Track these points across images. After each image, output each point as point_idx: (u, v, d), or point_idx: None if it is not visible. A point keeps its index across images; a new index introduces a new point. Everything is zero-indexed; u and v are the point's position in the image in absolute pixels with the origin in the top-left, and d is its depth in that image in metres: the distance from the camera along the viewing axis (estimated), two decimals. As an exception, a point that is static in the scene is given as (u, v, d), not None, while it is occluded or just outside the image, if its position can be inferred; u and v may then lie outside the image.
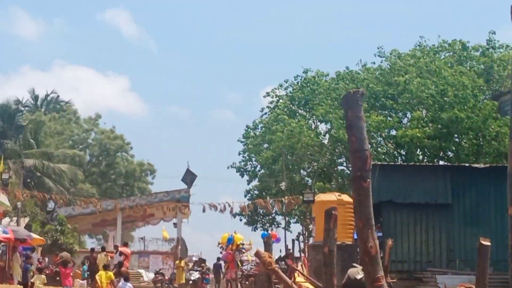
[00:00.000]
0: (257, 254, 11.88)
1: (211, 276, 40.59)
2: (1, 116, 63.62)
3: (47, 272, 30.62)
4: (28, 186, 54.89)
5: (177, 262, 38.26)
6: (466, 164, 32.91)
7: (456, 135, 43.89)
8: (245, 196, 52.45)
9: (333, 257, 9.27)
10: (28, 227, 42.12)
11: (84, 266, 35.23)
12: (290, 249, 39.69)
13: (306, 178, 50.27)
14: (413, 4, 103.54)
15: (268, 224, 52.67)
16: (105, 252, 32.69)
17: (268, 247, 17.89)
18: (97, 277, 27.57)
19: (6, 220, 40.32)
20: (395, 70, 46.63)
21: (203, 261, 40.19)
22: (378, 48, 49.49)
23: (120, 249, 33.39)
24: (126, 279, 27.24)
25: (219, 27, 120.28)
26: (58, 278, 29.51)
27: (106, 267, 27.51)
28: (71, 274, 28.73)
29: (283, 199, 37.84)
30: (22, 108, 70.89)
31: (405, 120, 46.77)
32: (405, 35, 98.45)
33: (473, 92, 43.34)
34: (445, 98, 43.10)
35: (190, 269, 37.55)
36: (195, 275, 36.45)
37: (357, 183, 7.01)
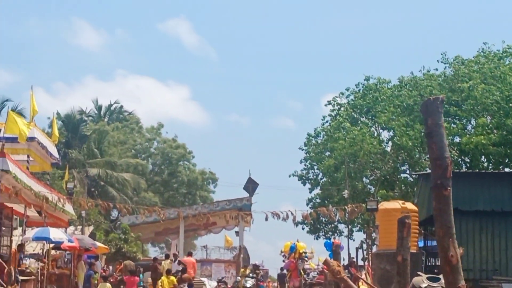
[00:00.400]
0: (325, 262, 11.81)
1: (274, 284, 40.58)
2: (65, 126, 64.62)
3: (111, 280, 30.90)
4: (92, 195, 55.65)
5: (242, 270, 38.43)
6: (533, 171, 32.33)
7: (522, 142, 43.17)
8: (307, 204, 52.41)
9: (406, 266, 9.16)
10: (92, 235, 42.68)
11: (141, 275, 35.56)
12: (353, 258, 39.50)
13: (369, 186, 49.96)
14: (476, 10, 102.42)
15: (330, 233, 52.54)
16: (169, 260, 32.92)
17: (336, 255, 17.80)
18: (159, 282, 27.81)
19: (71, 228, 40.89)
20: (459, 76, 46.01)
21: (258, 267, 40.26)
22: (441, 54, 48.99)
23: (183, 259, 33.59)
24: (190, 286, 27.42)
25: (279, 35, 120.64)
26: (122, 287, 29.78)
27: (168, 272, 27.72)
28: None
29: (346, 207, 37.59)
30: (86, 118, 71.91)
31: (469, 127, 46.12)
32: (468, 41, 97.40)
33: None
34: (510, 104, 42.43)
35: (245, 276, 37.65)
36: (250, 282, 36.51)
37: (438, 191, 6.91)
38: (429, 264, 30.83)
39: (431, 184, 6.97)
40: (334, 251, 18.23)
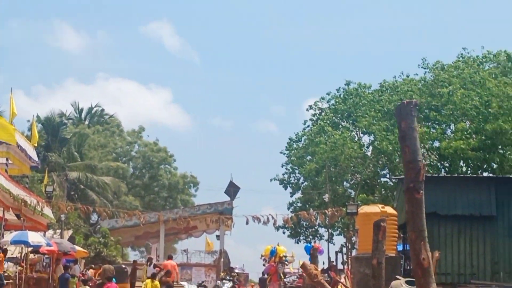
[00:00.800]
0: (303, 266, 11.86)
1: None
2: (45, 129, 64.25)
3: (90, 284, 30.74)
4: (72, 198, 55.31)
5: (222, 274, 38.42)
6: (511, 176, 32.52)
7: (500, 147, 43.39)
8: (288, 208, 52.52)
9: (381, 269, 9.21)
10: (71, 239, 42.39)
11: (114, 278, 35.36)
12: (333, 261, 39.57)
13: (349, 190, 50.14)
14: (456, 16, 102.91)
15: (311, 237, 52.64)
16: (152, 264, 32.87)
17: (314, 259, 17.85)
18: (142, 285, 27.68)
19: (50, 232, 40.64)
20: (438, 81, 46.31)
21: (233, 270, 40.23)
22: (422, 60, 49.40)
23: (164, 262, 33.49)
24: (169, 288, 27.32)
25: (262, 40, 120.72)
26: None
27: (153, 276, 27.64)
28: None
29: (326, 211, 37.68)
30: (66, 121, 71.55)
31: (448, 132, 46.38)
32: (448, 47, 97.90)
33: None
34: (489, 110, 42.69)
35: (222, 278, 37.60)
36: (227, 285, 36.46)
37: (410, 195, 6.95)
38: (408, 267, 31.00)
39: (404, 187, 7.02)
40: (312, 254, 18.30)
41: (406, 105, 7.11)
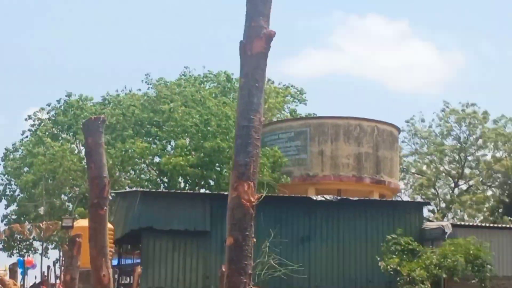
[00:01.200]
0: (1, 281, 11.45)
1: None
2: None
3: None
4: None
5: None
6: (226, 193, 33.61)
7: (217, 164, 44.71)
8: (2, 221, 50.80)
9: (74, 285, 9.12)
10: None
11: None
12: (46, 276, 38.72)
13: (68, 203, 49.32)
14: (179, 34, 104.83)
15: (25, 250, 51.22)
16: None
17: (13, 274, 17.38)
18: None
19: None
20: (161, 98, 47.01)
21: None
22: (145, 75, 49.95)
23: None
24: None
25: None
26: None
27: None
28: None
29: (41, 224, 36.88)
30: None
31: (169, 148, 47.13)
32: (172, 64, 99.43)
33: (235, 122, 44.38)
34: (209, 128, 43.90)
35: None
36: None
37: (94, 211, 6.94)
38: (123, 282, 31.11)
39: (88, 204, 7.01)
40: (11, 269, 17.79)
41: (93, 121, 7.09)
